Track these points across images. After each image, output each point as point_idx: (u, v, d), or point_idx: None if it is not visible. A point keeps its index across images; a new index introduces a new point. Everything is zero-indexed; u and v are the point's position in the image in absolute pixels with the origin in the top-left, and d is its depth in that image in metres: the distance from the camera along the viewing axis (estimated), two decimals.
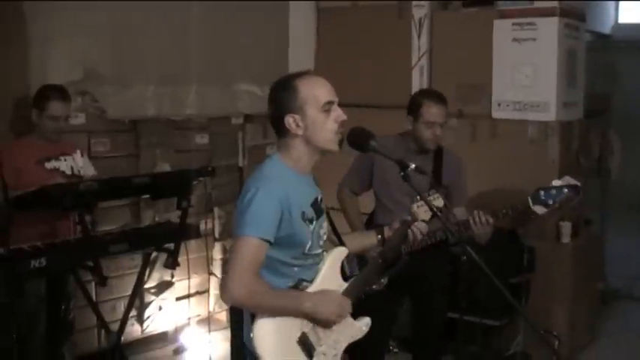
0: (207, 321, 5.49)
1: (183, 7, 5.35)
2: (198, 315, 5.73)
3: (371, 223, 4.18)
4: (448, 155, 4.17)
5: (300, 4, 6.23)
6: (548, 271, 5.18)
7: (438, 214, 2.80)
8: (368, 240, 3.10)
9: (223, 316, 5.75)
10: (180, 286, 5.54)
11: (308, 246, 2.69)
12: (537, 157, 5.24)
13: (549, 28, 5.16)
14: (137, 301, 5.19)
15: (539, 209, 3.89)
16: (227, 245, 5.76)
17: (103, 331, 4.77)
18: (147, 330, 5.41)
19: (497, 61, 5.40)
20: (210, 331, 5.25)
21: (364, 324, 2.90)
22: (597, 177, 6.42)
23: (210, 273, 5.74)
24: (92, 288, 4.78)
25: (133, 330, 5.29)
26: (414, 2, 5.75)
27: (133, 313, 5.18)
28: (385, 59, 5.95)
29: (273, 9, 6.03)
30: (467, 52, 5.54)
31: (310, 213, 2.70)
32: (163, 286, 5.46)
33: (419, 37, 5.76)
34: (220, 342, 5.21)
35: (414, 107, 4.04)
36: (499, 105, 5.40)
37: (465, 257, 3.83)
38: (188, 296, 5.60)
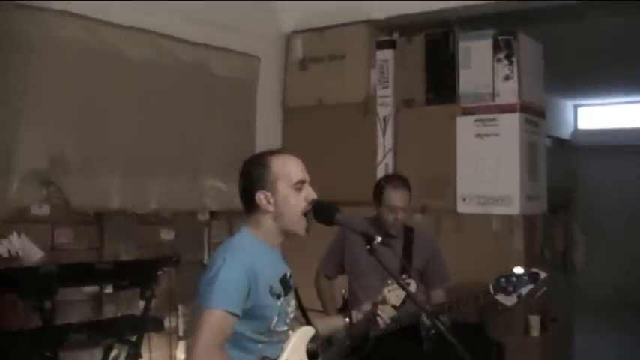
0: None
1: (149, 100, 5.39)
2: None
3: (345, 309, 4.16)
4: (419, 236, 4.20)
5: (267, 103, 6.33)
6: None
7: (412, 296, 2.78)
8: (335, 323, 3.07)
9: None
10: None
11: (274, 321, 2.66)
12: (502, 250, 5.24)
13: (511, 124, 5.29)
14: None
15: (502, 297, 3.93)
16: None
17: None
18: None
19: (461, 156, 5.49)
20: None
21: None
22: (563, 272, 6.44)
23: None
24: None
25: None
26: (378, 100, 5.89)
27: None
28: (350, 157, 6.01)
29: (240, 107, 6.11)
30: (431, 148, 5.63)
31: (278, 288, 2.67)
32: None
33: (384, 134, 5.86)
34: None
35: (377, 192, 4.14)
36: (464, 200, 5.45)
37: (433, 331, 3.78)
38: None
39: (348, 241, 4.22)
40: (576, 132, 10.88)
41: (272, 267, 2.69)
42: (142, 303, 4.33)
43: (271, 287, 2.64)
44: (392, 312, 2.93)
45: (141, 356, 4.21)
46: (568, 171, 9.05)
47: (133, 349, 4.16)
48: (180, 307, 5.63)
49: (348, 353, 3.93)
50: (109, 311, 5.08)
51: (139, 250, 5.35)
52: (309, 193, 2.71)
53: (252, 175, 2.70)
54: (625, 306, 9.47)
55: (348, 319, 3.03)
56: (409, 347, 4.12)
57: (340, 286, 4.54)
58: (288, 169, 2.72)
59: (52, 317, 3.96)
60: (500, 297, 4.08)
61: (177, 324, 5.62)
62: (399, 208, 4.09)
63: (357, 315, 3.05)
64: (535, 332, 5.21)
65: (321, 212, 2.76)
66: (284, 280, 2.73)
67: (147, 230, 5.48)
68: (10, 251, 4.20)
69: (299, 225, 2.70)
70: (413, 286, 3.03)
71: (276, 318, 2.66)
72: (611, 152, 10.22)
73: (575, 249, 6.52)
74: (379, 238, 2.69)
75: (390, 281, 2.95)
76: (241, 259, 2.58)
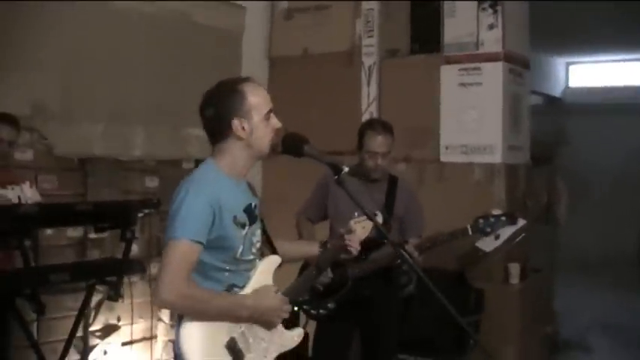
0: None
1: (133, 48, 5.39)
2: None
3: None
4: (402, 185, 4.22)
5: (252, 53, 6.32)
6: (497, 313, 5.18)
7: (378, 225, 2.81)
8: (309, 248, 3.08)
9: None
10: (127, 331, 5.41)
11: (239, 251, 2.68)
12: (484, 200, 5.27)
13: (494, 73, 5.32)
14: (81, 344, 5.05)
15: (481, 243, 3.97)
16: None
17: None
18: None
19: (445, 105, 5.53)
20: None
21: (296, 334, 2.86)
22: (546, 225, 6.48)
23: (158, 319, 5.63)
24: (34, 329, 4.64)
25: None
26: (363, 50, 5.89)
27: (77, 357, 5.03)
28: (335, 106, 6.04)
29: (225, 57, 6.10)
30: (415, 98, 5.65)
31: (242, 217, 2.69)
32: (109, 330, 5.32)
33: (368, 84, 5.87)
34: None
35: (359, 137, 4.13)
36: (447, 148, 5.49)
37: (404, 264, 3.81)
38: (131, 342, 5.46)
39: (331, 185, 4.23)
40: (567, 90, 10.87)
41: (236, 197, 2.70)
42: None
43: (235, 217, 2.65)
44: (360, 239, 2.96)
45: (121, 296, 4.24)
46: (557, 127, 9.07)
47: (113, 291, 4.18)
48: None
49: (327, 295, 4.00)
50: (94, 256, 5.13)
51: (123, 197, 5.37)
52: (275, 122, 2.73)
53: (228, 102, 2.67)
54: (608, 263, 9.53)
55: (322, 248, 3.05)
56: (386, 290, 4.17)
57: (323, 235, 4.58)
58: (260, 98, 2.72)
59: (36, 257, 3.99)
60: (480, 242, 4.11)
61: None
62: (379, 154, 4.07)
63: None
64: (515, 280, 5.28)
65: (290, 143, 2.78)
66: (249, 210, 2.74)
67: (131, 177, 5.50)
68: (20, 198, 4.19)
69: (267, 148, 2.73)
70: (379, 219, 3.04)
71: (241, 247, 2.67)
72: (602, 110, 10.20)
73: (558, 202, 6.56)
74: (346, 168, 2.71)
75: (356, 213, 2.98)
76: (204, 190, 2.59)
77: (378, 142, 4.06)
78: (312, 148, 2.77)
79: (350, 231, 2.95)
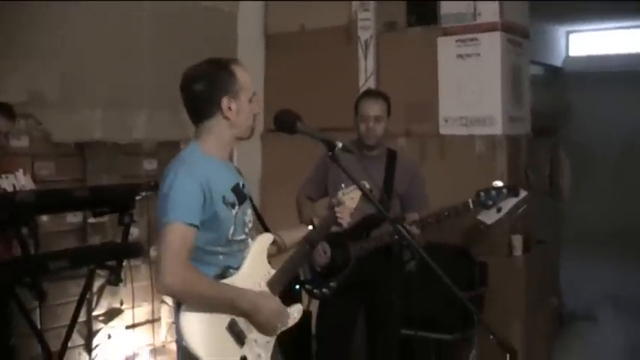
0: (159, 351, 5.36)
1: (132, 31, 5.33)
2: (149, 344, 5.58)
3: None
4: (402, 159, 4.19)
5: (248, 31, 6.26)
6: (501, 286, 5.15)
7: (366, 192, 2.79)
8: (300, 232, 3.06)
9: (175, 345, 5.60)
10: (131, 314, 5.40)
11: (231, 231, 2.66)
12: (486, 173, 5.20)
13: (492, 43, 5.26)
14: (85, 329, 5.05)
15: (482, 215, 3.94)
16: None
17: None
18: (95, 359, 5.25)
19: (443, 77, 5.48)
20: None
21: (296, 311, 2.84)
22: (550, 197, 6.43)
23: (161, 301, 5.61)
24: (37, 316, 4.63)
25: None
26: (359, 24, 5.83)
27: (81, 341, 5.03)
28: (333, 82, 5.98)
29: (221, 37, 6.03)
30: (413, 71, 5.60)
31: (231, 197, 2.68)
32: (112, 314, 5.32)
33: (365, 58, 5.81)
34: None
35: (355, 107, 4.12)
36: (446, 121, 5.44)
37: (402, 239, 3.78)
38: (133, 326, 5.44)
39: (330, 163, 4.19)
40: (568, 59, 10.76)
41: (222, 177, 2.68)
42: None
43: (224, 197, 2.63)
44: (349, 209, 2.94)
45: (121, 280, 4.22)
46: (559, 97, 8.99)
47: (114, 275, 4.17)
48: None
49: (330, 275, 3.98)
50: (95, 241, 5.11)
51: (122, 181, 5.34)
52: (256, 107, 2.76)
53: (219, 80, 2.66)
54: (615, 235, 9.46)
55: (311, 227, 3.02)
56: (389, 268, 4.14)
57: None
58: (248, 80, 2.74)
59: (36, 244, 3.93)
60: (481, 215, 4.08)
61: None
62: (371, 117, 4.06)
63: (317, 222, 3.05)
64: (518, 252, 5.24)
65: (283, 120, 2.75)
66: (236, 190, 2.72)
67: (130, 161, 5.47)
68: (15, 187, 4.16)
69: (249, 130, 2.77)
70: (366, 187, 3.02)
71: (232, 227, 2.66)
72: (603, 79, 10.10)
73: (561, 174, 6.51)
74: (340, 144, 2.69)
75: (343, 185, 2.96)
76: (193, 172, 2.58)
77: (370, 105, 4.10)
78: (305, 124, 2.74)
79: (339, 203, 2.93)
